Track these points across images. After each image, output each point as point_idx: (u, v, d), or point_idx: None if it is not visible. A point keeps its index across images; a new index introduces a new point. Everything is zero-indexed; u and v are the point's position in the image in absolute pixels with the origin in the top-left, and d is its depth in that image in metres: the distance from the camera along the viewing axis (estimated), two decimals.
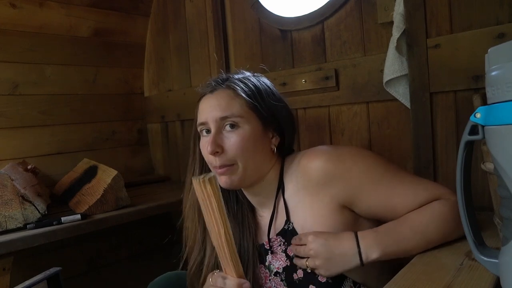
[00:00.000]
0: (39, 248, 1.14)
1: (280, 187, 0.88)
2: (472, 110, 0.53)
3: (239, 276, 0.74)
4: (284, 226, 0.87)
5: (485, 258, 0.56)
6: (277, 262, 0.89)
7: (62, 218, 1.19)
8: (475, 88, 1.02)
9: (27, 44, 1.69)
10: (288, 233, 0.87)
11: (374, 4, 1.23)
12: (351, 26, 1.30)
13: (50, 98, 1.77)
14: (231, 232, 0.70)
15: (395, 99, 1.17)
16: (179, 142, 1.97)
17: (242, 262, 0.83)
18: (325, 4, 1.36)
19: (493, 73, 0.48)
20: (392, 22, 1.14)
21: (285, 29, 1.48)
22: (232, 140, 0.82)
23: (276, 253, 0.89)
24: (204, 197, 0.69)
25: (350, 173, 0.81)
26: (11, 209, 1.14)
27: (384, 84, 1.17)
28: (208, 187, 0.67)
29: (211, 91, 0.87)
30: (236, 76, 0.89)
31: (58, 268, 0.95)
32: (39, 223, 1.16)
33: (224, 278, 0.76)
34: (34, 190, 1.28)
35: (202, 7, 1.78)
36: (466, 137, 0.54)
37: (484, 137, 0.52)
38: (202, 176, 0.68)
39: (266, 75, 1.51)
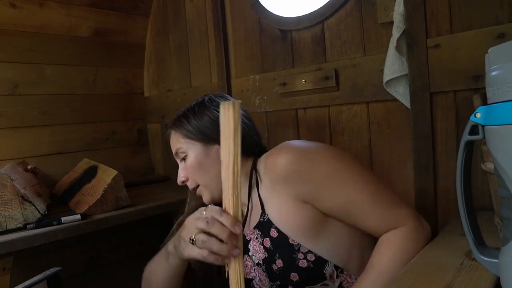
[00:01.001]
0: (39, 248, 1.14)
1: (252, 183, 0.94)
2: (472, 110, 0.53)
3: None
4: (260, 218, 0.91)
5: (485, 258, 0.56)
6: (257, 254, 0.92)
7: (62, 218, 1.19)
8: (475, 88, 1.02)
9: (27, 44, 1.68)
10: (264, 225, 0.90)
11: (374, 4, 1.23)
12: (351, 26, 1.30)
13: (50, 98, 1.77)
14: (239, 168, 0.64)
15: (395, 99, 1.17)
16: None
17: None
18: (325, 4, 1.36)
19: (493, 73, 0.48)
20: (392, 22, 1.14)
21: (285, 29, 1.48)
22: (187, 168, 0.97)
23: (254, 245, 0.92)
24: (225, 120, 0.65)
25: (314, 172, 0.83)
26: (11, 209, 1.14)
27: (384, 84, 1.17)
28: (231, 110, 0.64)
29: (168, 136, 1.06)
30: (179, 114, 1.02)
31: (58, 268, 0.94)
32: (39, 223, 1.16)
33: (221, 212, 0.66)
34: (34, 190, 1.28)
35: (202, 7, 1.78)
36: (466, 137, 0.54)
37: (484, 137, 0.52)
38: (229, 101, 0.66)
39: (267, 75, 1.51)
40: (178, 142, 0.99)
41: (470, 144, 0.55)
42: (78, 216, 1.22)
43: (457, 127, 1.08)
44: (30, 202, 1.19)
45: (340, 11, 1.32)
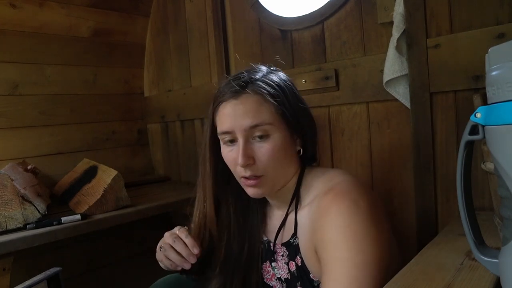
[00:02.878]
0: (39, 248, 1.14)
1: (294, 200, 0.85)
2: (472, 110, 0.53)
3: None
4: (290, 239, 0.86)
5: (485, 258, 0.56)
6: (280, 270, 0.89)
7: (62, 218, 1.19)
8: (475, 88, 1.02)
9: (27, 44, 1.69)
10: (292, 248, 0.85)
11: (374, 4, 1.23)
12: (351, 26, 1.30)
13: (50, 98, 1.77)
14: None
15: (395, 99, 1.17)
16: (179, 142, 1.97)
17: (246, 255, 0.89)
18: (325, 4, 1.36)
19: (494, 73, 0.48)
20: (392, 22, 1.14)
21: (285, 29, 1.48)
22: (263, 150, 0.78)
23: (279, 261, 0.89)
24: None
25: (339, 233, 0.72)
26: (11, 209, 1.14)
27: (384, 84, 1.17)
28: None
29: (235, 97, 0.79)
30: (258, 76, 0.82)
31: (58, 268, 0.95)
32: (39, 223, 1.16)
33: (187, 235, 0.86)
34: (34, 190, 1.28)
35: (202, 7, 1.78)
36: (466, 137, 0.54)
37: (484, 137, 0.52)
38: None
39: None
40: (269, 115, 0.78)
41: (470, 144, 0.55)
42: (78, 216, 1.22)
43: (457, 127, 1.08)
44: (30, 202, 1.19)
45: (340, 11, 1.32)
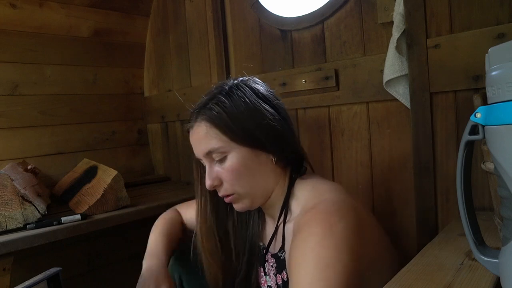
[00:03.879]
0: (39, 248, 1.14)
1: (284, 211, 0.84)
2: (472, 110, 0.53)
3: None
4: (278, 252, 0.86)
5: (485, 258, 0.56)
6: (270, 279, 0.90)
7: (62, 218, 1.19)
8: (475, 88, 1.02)
9: (27, 44, 1.69)
10: (280, 262, 0.85)
11: (374, 4, 1.23)
12: (351, 26, 1.30)
13: (50, 98, 1.77)
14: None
15: (395, 99, 1.17)
16: (179, 142, 1.97)
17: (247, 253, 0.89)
18: (325, 4, 1.36)
19: (494, 73, 0.48)
20: (392, 22, 1.14)
21: (285, 29, 1.48)
22: (224, 172, 0.80)
23: (269, 270, 0.89)
24: None
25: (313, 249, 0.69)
26: (11, 209, 1.14)
27: (384, 84, 1.17)
28: None
29: (191, 126, 0.84)
30: (208, 101, 0.82)
31: (58, 268, 0.94)
32: (39, 223, 1.16)
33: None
34: (34, 190, 1.28)
35: (202, 7, 1.78)
36: (466, 137, 0.54)
37: (484, 137, 0.52)
38: None
39: (267, 75, 1.51)
40: (217, 140, 0.79)
41: (470, 144, 0.55)
42: (78, 216, 1.22)
43: (457, 127, 1.08)
44: (30, 202, 1.19)
45: (340, 11, 1.32)
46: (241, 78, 0.87)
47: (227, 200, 0.84)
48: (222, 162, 0.81)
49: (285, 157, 0.85)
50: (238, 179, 0.80)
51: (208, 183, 0.82)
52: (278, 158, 0.83)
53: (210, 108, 0.80)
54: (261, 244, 0.93)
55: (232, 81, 0.85)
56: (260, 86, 0.85)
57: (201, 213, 0.92)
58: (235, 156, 0.80)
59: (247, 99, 0.81)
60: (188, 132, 0.85)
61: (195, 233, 0.94)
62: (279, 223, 0.86)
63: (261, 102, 0.82)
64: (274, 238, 0.88)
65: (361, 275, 0.70)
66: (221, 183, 0.82)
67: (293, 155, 0.86)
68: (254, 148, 0.81)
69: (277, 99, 0.87)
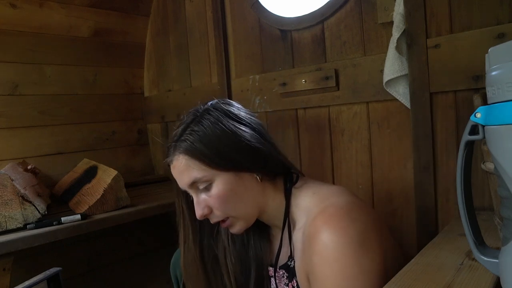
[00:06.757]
0: (39, 248, 1.14)
1: (286, 220, 0.84)
2: (472, 110, 0.53)
3: None
4: (287, 261, 0.86)
5: (485, 258, 0.56)
6: None
7: (62, 218, 1.19)
8: (475, 88, 1.02)
9: (27, 44, 1.68)
10: (290, 270, 0.85)
11: (374, 4, 1.23)
12: (351, 26, 1.30)
13: (50, 98, 1.77)
14: None
15: (395, 99, 1.17)
16: None
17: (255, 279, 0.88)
18: (325, 4, 1.36)
19: (494, 73, 0.48)
20: (392, 22, 1.14)
21: (285, 29, 1.48)
22: (211, 199, 0.80)
23: (279, 285, 0.88)
24: None
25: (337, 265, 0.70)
26: (11, 209, 1.14)
27: (384, 84, 1.17)
28: None
29: (171, 161, 0.83)
30: (182, 132, 0.82)
31: (58, 268, 0.94)
32: (39, 223, 1.16)
33: None
34: (34, 190, 1.28)
35: (202, 7, 1.78)
36: (466, 137, 0.54)
37: (484, 137, 0.52)
38: None
39: (267, 75, 1.51)
40: (198, 170, 0.79)
41: (470, 144, 0.55)
42: (78, 216, 1.22)
43: (457, 127, 1.08)
44: (30, 202, 1.19)
45: (340, 11, 1.32)
46: (210, 102, 0.86)
47: (223, 225, 0.84)
48: (207, 190, 0.81)
49: (271, 171, 0.85)
50: (226, 204, 0.81)
51: (198, 213, 0.82)
52: (263, 174, 0.83)
53: (185, 140, 0.80)
54: (266, 262, 0.92)
55: (202, 106, 0.85)
56: (231, 107, 0.85)
57: (184, 241, 0.92)
58: (219, 182, 0.80)
59: (219, 124, 0.80)
60: (169, 166, 0.85)
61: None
62: (283, 233, 0.86)
63: (234, 123, 0.81)
64: (281, 249, 0.88)
65: (387, 270, 0.72)
66: (211, 211, 0.82)
67: (278, 166, 0.86)
68: (236, 171, 0.81)
69: (251, 116, 0.86)
